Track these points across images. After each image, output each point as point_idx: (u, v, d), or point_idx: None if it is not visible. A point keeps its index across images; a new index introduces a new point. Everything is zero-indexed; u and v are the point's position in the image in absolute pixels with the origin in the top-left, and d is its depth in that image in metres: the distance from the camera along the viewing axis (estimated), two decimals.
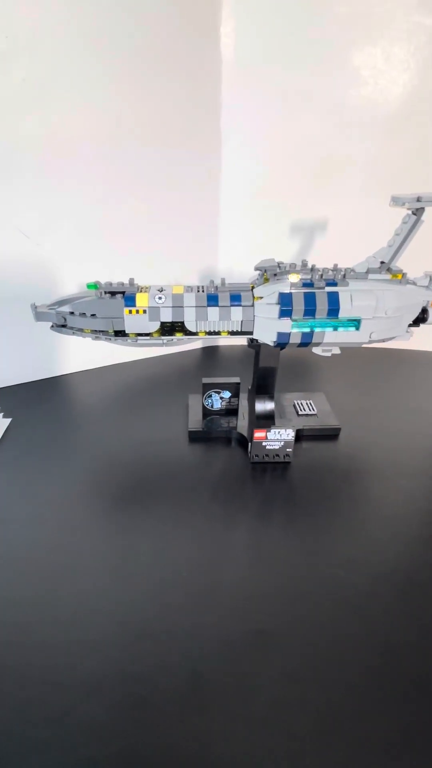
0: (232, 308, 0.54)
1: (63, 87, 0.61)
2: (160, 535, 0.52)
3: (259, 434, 0.58)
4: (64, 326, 0.56)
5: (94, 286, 0.55)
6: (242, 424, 0.67)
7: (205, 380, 0.65)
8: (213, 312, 0.54)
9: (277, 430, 0.58)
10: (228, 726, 0.35)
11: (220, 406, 0.67)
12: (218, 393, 0.66)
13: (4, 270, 0.69)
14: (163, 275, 0.67)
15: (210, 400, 0.67)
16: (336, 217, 0.73)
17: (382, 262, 0.55)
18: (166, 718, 0.36)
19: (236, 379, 0.65)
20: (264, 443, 0.59)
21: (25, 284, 0.70)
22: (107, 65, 0.62)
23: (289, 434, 0.58)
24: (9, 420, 0.70)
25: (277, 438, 0.59)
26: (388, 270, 0.55)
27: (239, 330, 0.55)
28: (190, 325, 0.54)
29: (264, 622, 0.43)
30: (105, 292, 0.54)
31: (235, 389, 0.66)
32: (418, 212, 0.51)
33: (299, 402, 0.70)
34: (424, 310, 0.56)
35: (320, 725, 0.36)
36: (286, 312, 0.53)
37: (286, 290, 0.53)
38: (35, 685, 0.38)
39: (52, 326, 0.57)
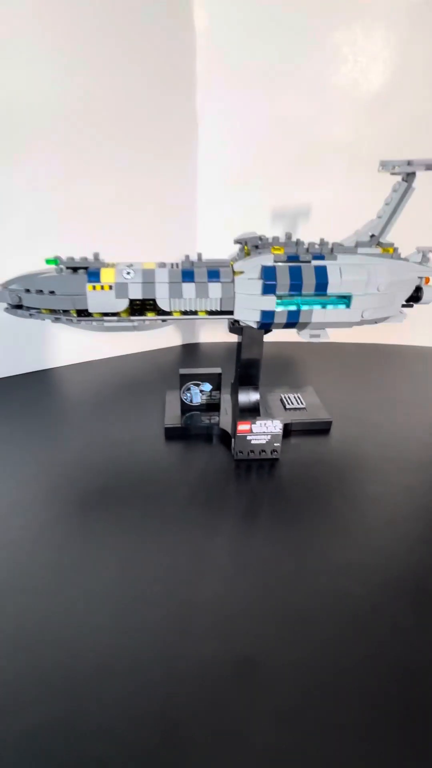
0: (210, 284, 0.48)
1: (26, 55, 0.56)
2: (129, 544, 0.44)
3: (243, 427, 0.52)
4: (19, 307, 0.49)
5: (54, 261, 0.48)
6: (225, 419, 0.60)
7: (183, 371, 0.59)
8: (188, 288, 0.48)
9: (263, 422, 0.52)
10: None
11: (200, 400, 0.61)
12: (197, 386, 0.60)
13: None
14: (134, 260, 0.61)
15: (189, 394, 0.60)
16: (319, 199, 0.70)
17: (372, 236, 0.51)
18: None
19: (217, 370, 0.59)
20: (249, 437, 0.53)
21: None
22: (74, 35, 0.57)
23: (276, 426, 0.52)
24: None
25: (263, 431, 0.52)
26: (379, 244, 0.51)
27: (218, 309, 0.49)
28: (162, 303, 0.48)
29: (251, 647, 0.35)
30: (66, 268, 0.48)
31: (216, 381, 0.59)
32: (408, 178, 0.47)
33: (286, 396, 0.65)
34: (418, 288, 0.52)
35: None
36: (270, 287, 0.47)
37: (270, 263, 0.47)
38: None
39: (7, 308, 0.51)
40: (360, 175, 0.61)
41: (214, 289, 0.48)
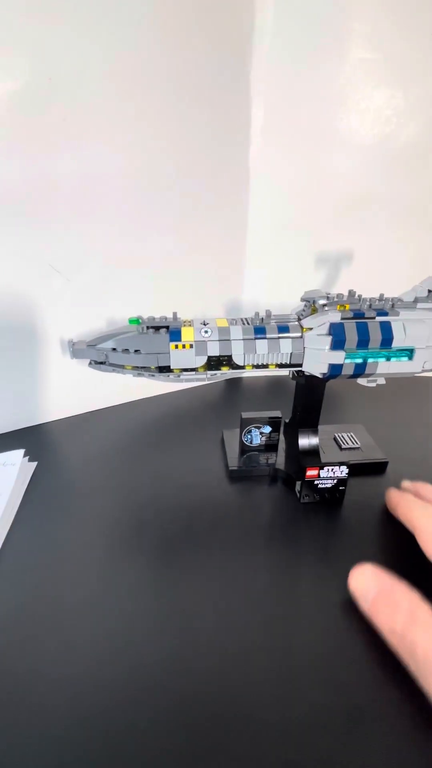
0: (281, 340, 0.52)
1: (98, 128, 0.61)
2: (223, 590, 0.46)
3: (311, 472, 0.55)
4: (103, 363, 0.53)
5: (137, 321, 0.53)
6: (280, 459, 0.63)
7: (245, 415, 0.62)
8: (261, 344, 0.52)
9: (330, 468, 0.55)
10: None
11: (259, 441, 0.64)
12: (258, 428, 0.63)
13: (34, 306, 0.67)
14: (188, 310, 0.63)
15: (249, 436, 0.64)
16: (360, 251, 0.73)
17: (429, 291, 0.54)
18: None
19: (278, 413, 0.63)
20: (316, 481, 0.55)
21: (53, 320, 0.68)
22: (141, 107, 0.63)
23: (343, 471, 0.55)
24: (35, 464, 0.65)
25: (329, 476, 0.55)
26: None
27: (288, 362, 0.53)
28: (237, 359, 0.52)
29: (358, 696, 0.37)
30: (147, 327, 0.52)
31: (276, 424, 0.63)
32: None
33: (340, 435, 0.67)
34: None
35: None
36: (338, 343, 0.51)
37: (338, 320, 0.51)
38: None
39: (90, 363, 0.55)
40: (399, 227, 0.64)
41: (285, 345, 0.52)
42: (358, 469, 0.62)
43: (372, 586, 0.42)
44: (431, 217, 0.53)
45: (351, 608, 0.44)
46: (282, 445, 0.65)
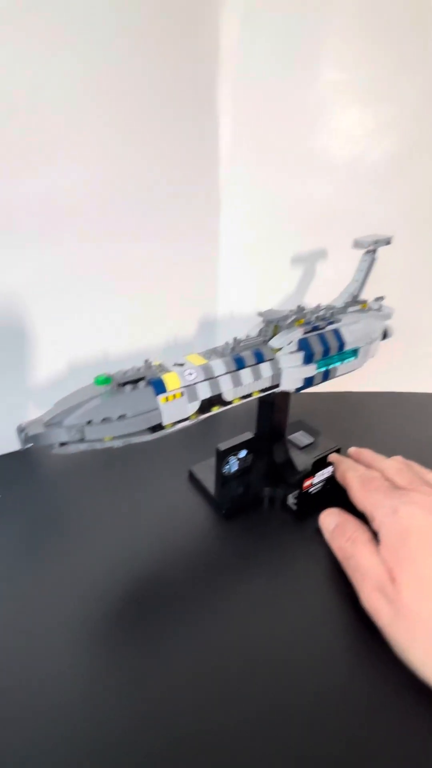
0: (261, 366, 0.51)
1: (63, 148, 0.52)
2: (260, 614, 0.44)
3: (307, 483, 0.57)
4: (78, 440, 0.41)
5: (107, 380, 0.43)
6: (256, 478, 0.63)
7: (222, 446, 0.59)
8: (246, 374, 0.50)
9: (320, 473, 0.58)
10: None
11: (237, 467, 0.62)
12: (234, 455, 0.61)
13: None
14: (159, 329, 0.71)
15: (228, 466, 0.61)
16: (327, 266, 0.76)
17: (353, 296, 0.62)
18: None
19: (249, 435, 0.62)
20: (311, 490, 0.58)
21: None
22: (108, 126, 0.55)
23: (329, 471, 0.59)
24: None
25: (320, 480, 0.58)
26: (357, 301, 0.63)
27: (269, 385, 0.53)
28: (228, 395, 0.48)
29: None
30: (121, 384, 0.43)
31: (251, 445, 0.62)
32: (374, 251, 0.60)
33: (293, 436, 0.72)
34: (385, 331, 0.66)
35: None
36: (309, 357, 0.53)
37: (303, 336, 0.53)
38: None
39: (54, 447, 0.41)
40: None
41: (266, 369, 0.51)
42: (322, 462, 0.68)
43: (332, 520, 0.53)
44: (400, 236, 0.60)
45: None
46: (254, 465, 0.65)
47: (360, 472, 0.56)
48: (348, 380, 0.64)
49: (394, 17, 0.60)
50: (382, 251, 0.61)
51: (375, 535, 0.48)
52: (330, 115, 0.65)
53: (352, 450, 0.64)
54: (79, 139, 0.56)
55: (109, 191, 0.60)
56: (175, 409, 0.44)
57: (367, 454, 0.62)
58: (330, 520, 0.53)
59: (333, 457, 0.61)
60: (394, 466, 0.56)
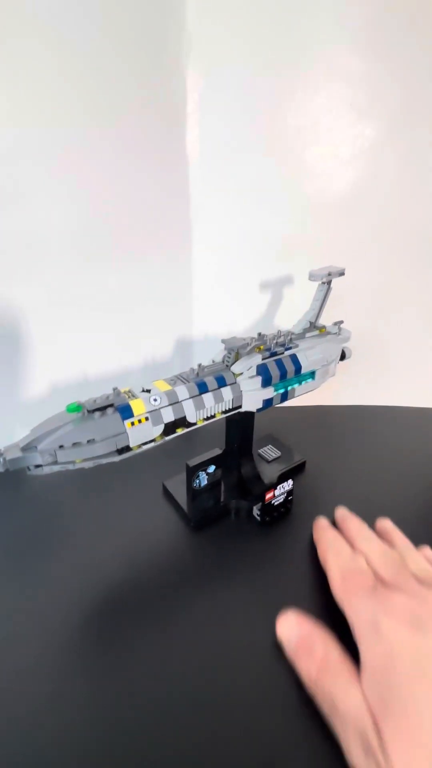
0: (222, 390, 0.56)
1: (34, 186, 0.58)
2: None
3: (269, 495, 0.62)
4: (52, 462, 0.46)
5: (77, 408, 0.48)
6: (222, 491, 0.68)
7: (191, 462, 0.64)
8: (208, 398, 0.55)
9: (281, 486, 0.63)
10: None
11: (206, 482, 0.67)
12: (204, 470, 0.66)
13: None
14: (138, 351, 0.79)
15: (198, 480, 0.66)
16: (293, 290, 0.82)
17: (311, 323, 0.68)
18: None
19: (218, 451, 0.67)
20: (273, 501, 0.63)
21: None
22: (94, 179, 0.62)
23: (289, 484, 0.64)
24: None
25: (282, 492, 0.63)
26: (315, 327, 0.68)
27: (231, 408, 0.58)
28: (191, 418, 0.53)
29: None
30: (91, 411, 0.48)
31: (220, 461, 0.67)
32: (329, 282, 0.66)
33: (262, 450, 0.77)
34: (342, 353, 0.72)
35: None
36: (267, 380, 0.59)
37: (261, 362, 0.59)
38: None
39: (29, 469, 0.46)
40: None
41: (227, 393, 0.56)
42: (287, 474, 0.73)
43: (294, 633, 0.45)
44: (362, 261, 0.66)
45: None
46: (224, 479, 0.70)
47: (341, 560, 0.51)
48: (318, 395, 0.69)
49: (353, 68, 0.66)
50: (349, 278, 0.66)
51: (349, 645, 0.42)
52: (292, 155, 0.71)
53: (338, 515, 0.62)
54: (62, 187, 0.62)
55: (90, 230, 0.66)
56: (141, 433, 0.49)
57: (352, 525, 0.58)
58: (289, 632, 0.45)
59: (316, 531, 0.59)
60: (379, 550, 0.51)
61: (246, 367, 0.58)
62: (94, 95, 0.59)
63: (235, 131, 0.68)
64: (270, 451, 0.77)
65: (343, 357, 0.72)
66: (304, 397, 0.67)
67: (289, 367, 0.61)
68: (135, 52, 0.60)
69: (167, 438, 0.54)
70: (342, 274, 0.65)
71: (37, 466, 0.46)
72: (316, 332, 0.68)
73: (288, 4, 0.61)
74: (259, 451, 0.77)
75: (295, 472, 0.74)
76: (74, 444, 0.46)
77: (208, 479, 0.67)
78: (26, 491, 0.71)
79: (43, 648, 0.48)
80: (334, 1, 0.61)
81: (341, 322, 0.71)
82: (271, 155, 0.71)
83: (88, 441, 0.47)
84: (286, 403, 0.64)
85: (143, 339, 0.80)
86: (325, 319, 0.71)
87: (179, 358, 0.84)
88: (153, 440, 0.52)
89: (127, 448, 0.50)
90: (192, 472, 0.64)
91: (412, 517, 0.64)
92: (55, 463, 0.46)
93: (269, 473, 0.71)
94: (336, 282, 0.67)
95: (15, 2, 0.52)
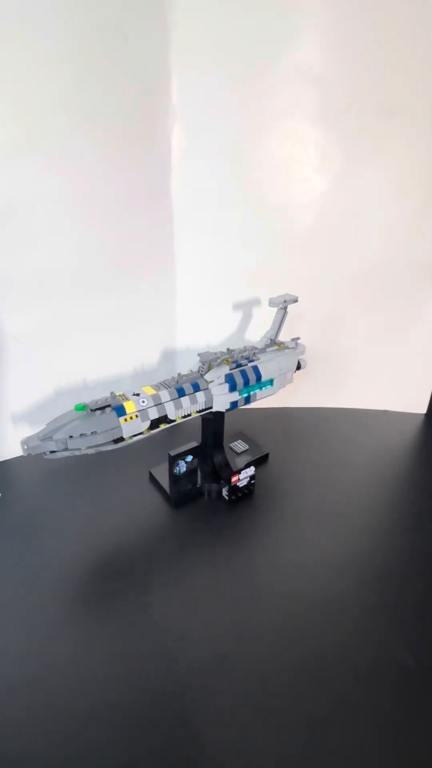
0: (197, 394, 0.71)
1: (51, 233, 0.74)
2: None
3: (234, 478, 0.77)
4: (63, 449, 0.61)
5: (83, 407, 0.62)
6: (198, 477, 0.83)
7: (173, 452, 0.79)
8: (185, 400, 0.70)
9: (245, 471, 0.78)
10: None
11: (185, 469, 0.82)
12: (183, 459, 0.81)
13: None
14: (129, 361, 0.93)
15: (178, 467, 0.80)
16: (261, 310, 0.95)
17: (271, 340, 0.83)
18: None
19: (194, 443, 0.81)
20: (238, 483, 0.78)
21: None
22: (88, 223, 0.77)
23: (251, 470, 0.79)
24: None
25: (245, 477, 0.78)
26: (275, 343, 0.84)
27: (204, 408, 0.73)
28: (171, 415, 0.68)
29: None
30: (93, 410, 0.63)
31: (196, 452, 0.81)
32: (285, 308, 0.82)
33: (233, 444, 0.92)
34: (299, 364, 0.87)
35: None
36: (233, 387, 0.74)
37: (228, 372, 0.74)
38: None
39: (46, 454, 0.61)
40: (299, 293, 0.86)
41: (200, 396, 0.72)
42: (252, 463, 0.88)
43: None
44: (316, 288, 0.81)
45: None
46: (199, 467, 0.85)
47: None
48: (283, 399, 0.84)
49: (307, 135, 0.82)
50: (306, 302, 0.82)
51: None
52: (260, 202, 0.87)
53: None
54: (72, 232, 0.77)
55: (90, 265, 0.81)
56: (132, 427, 0.64)
57: None
58: None
59: None
60: None
61: (216, 376, 0.73)
62: (101, 151, 0.75)
63: (212, 180, 0.84)
64: (239, 445, 0.92)
65: (299, 367, 0.88)
66: (272, 400, 0.83)
67: (251, 376, 0.76)
68: (133, 125, 0.75)
69: (153, 432, 0.68)
70: (295, 301, 0.81)
71: (52, 452, 0.61)
72: (276, 347, 0.83)
73: (255, 90, 0.78)
74: (230, 444, 0.92)
75: (259, 462, 0.90)
76: (81, 435, 0.61)
77: (186, 467, 0.82)
78: (37, 475, 0.85)
79: (42, 604, 0.61)
80: (292, 83, 0.78)
81: (298, 338, 0.87)
82: (245, 201, 0.87)
83: (92, 433, 0.61)
84: (256, 406, 0.80)
85: (134, 352, 0.94)
86: (285, 336, 0.86)
87: (164, 368, 0.99)
88: (141, 433, 0.66)
89: (121, 439, 0.64)
90: (173, 461, 0.79)
91: (361, 500, 0.80)
92: (66, 449, 0.61)
93: (237, 462, 0.86)
94: (294, 305, 0.83)
95: None
